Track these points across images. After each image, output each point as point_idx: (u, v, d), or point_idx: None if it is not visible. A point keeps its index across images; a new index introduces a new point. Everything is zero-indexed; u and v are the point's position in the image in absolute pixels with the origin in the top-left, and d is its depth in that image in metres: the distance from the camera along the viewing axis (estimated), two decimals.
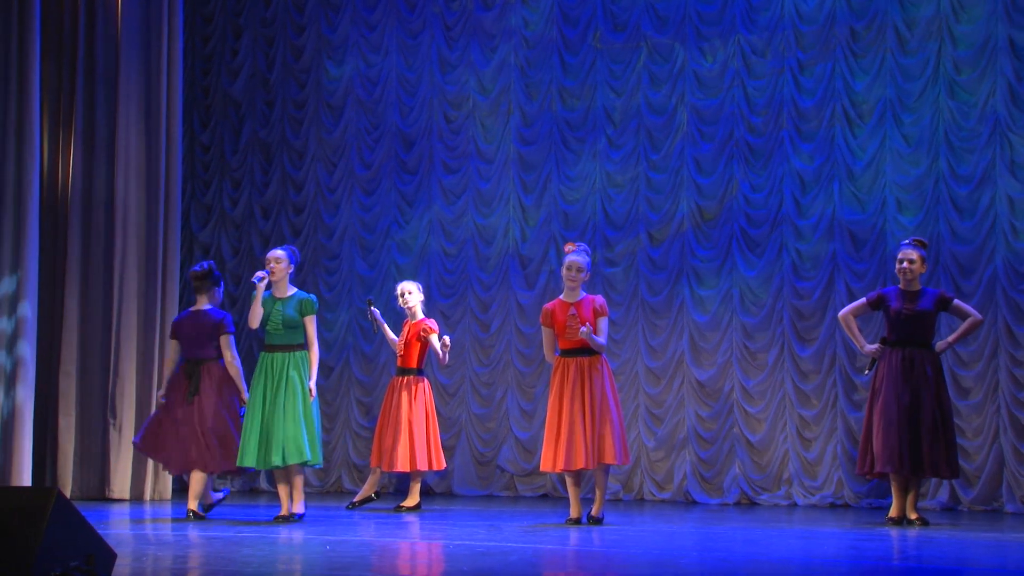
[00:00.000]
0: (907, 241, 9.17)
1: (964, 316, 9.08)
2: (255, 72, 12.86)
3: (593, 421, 8.61)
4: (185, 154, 12.70)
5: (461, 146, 12.15)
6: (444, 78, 12.22)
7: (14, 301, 10.31)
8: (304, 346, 8.91)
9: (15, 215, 10.34)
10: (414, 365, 9.89)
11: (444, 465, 10.05)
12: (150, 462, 10.77)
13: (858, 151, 10.87)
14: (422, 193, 12.22)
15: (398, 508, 9.95)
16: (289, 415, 8.75)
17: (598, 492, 8.77)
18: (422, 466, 9.78)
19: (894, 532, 8.44)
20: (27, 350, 10.31)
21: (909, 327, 8.94)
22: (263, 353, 8.93)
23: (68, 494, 10.60)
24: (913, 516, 8.83)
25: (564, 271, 8.84)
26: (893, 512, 8.90)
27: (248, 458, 8.83)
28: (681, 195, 11.37)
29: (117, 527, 8.62)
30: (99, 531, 5.70)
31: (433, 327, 9.87)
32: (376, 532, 8.47)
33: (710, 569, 6.58)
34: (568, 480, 8.90)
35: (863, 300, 9.20)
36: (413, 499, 9.95)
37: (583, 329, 8.57)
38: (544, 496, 11.50)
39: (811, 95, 11.03)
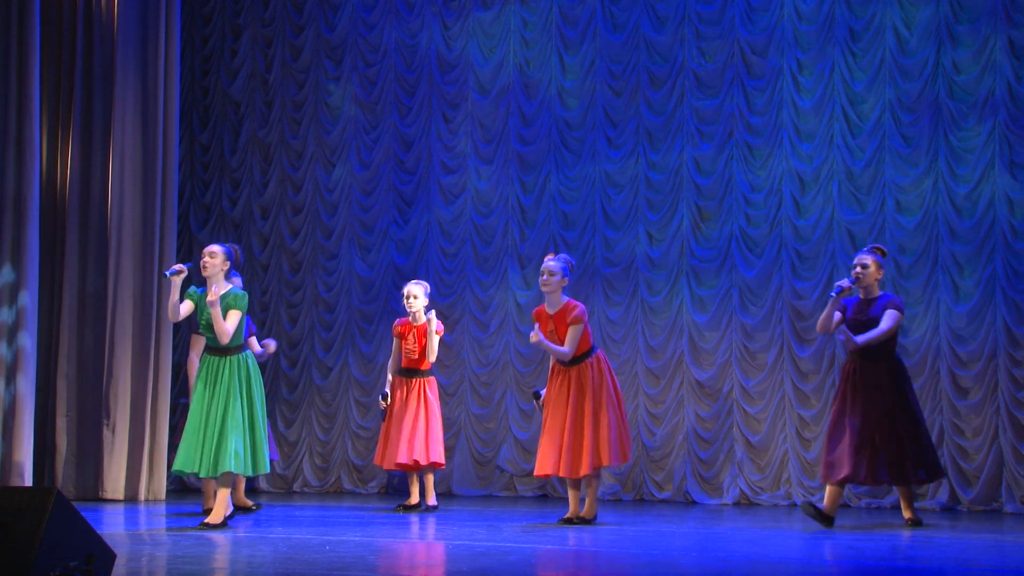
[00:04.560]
0: (866, 248, 9.04)
1: (884, 330, 8.64)
2: (254, 72, 12.85)
3: (577, 429, 8.62)
4: (184, 154, 12.70)
5: (460, 146, 12.14)
6: (443, 78, 12.21)
7: (13, 294, 10.29)
8: (242, 348, 8.45)
9: (15, 215, 10.33)
10: (426, 365, 9.89)
11: (443, 463, 10.00)
12: (144, 462, 10.77)
13: (857, 151, 10.87)
14: (421, 193, 12.22)
15: (402, 508, 9.91)
16: (229, 423, 8.29)
17: (589, 494, 8.76)
18: (420, 458, 9.71)
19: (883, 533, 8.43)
20: (27, 341, 10.29)
21: (860, 335, 8.70)
22: (205, 355, 8.50)
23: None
24: (908, 515, 8.78)
25: (540, 279, 8.88)
26: (825, 507, 8.60)
27: (181, 462, 8.36)
28: (680, 195, 11.37)
29: (112, 527, 8.60)
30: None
31: (440, 329, 9.91)
32: (376, 532, 8.46)
33: (710, 569, 6.57)
34: (567, 481, 8.92)
35: (829, 308, 8.81)
36: (415, 498, 9.90)
37: (532, 336, 8.65)
38: (544, 496, 11.49)
39: (810, 95, 11.03)
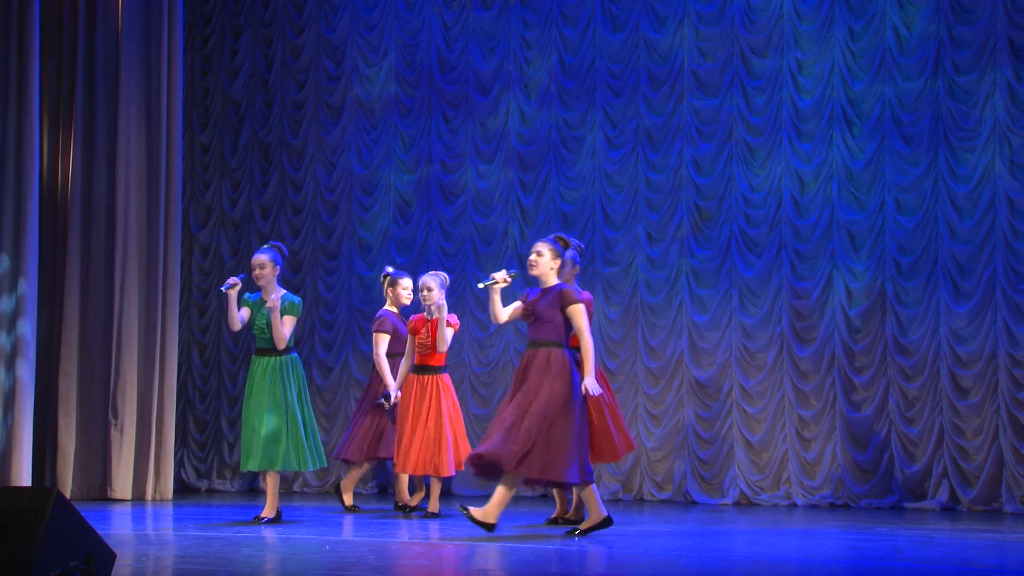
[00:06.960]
0: (549, 236, 8.39)
1: (576, 328, 7.96)
2: (254, 72, 12.85)
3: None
4: (184, 154, 12.69)
5: (460, 146, 12.15)
6: (443, 78, 12.22)
7: (12, 284, 10.29)
8: (291, 349, 8.84)
9: (15, 216, 10.33)
10: (437, 360, 9.38)
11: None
12: (151, 462, 10.80)
13: (857, 151, 10.87)
14: (421, 193, 12.22)
15: (406, 508, 9.77)
16: (302, 419, 8.80)
17: (577, 492, 8.65)
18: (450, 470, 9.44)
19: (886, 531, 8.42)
20: (27, 329, 10.28)
21: (532, 326, 8.11)
22: (254, 356, 8.90)
23: (68, 495, 10.58)
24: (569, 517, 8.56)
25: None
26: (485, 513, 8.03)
27: (252, 462, 8.78)
28: (680, 195, 11.37)
29: (118, 527, 8.61)
30: (100, 532, 5.69)
31: (456, 323, 9.41)
32: (376, 532, 8.46)
33: (710, 569, 6.57)
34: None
35: (490, 298, 8.29)
36: (417, 498, 9.79)
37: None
38: (544, 496, 11.49)
39: (810, 95, 11.03)
